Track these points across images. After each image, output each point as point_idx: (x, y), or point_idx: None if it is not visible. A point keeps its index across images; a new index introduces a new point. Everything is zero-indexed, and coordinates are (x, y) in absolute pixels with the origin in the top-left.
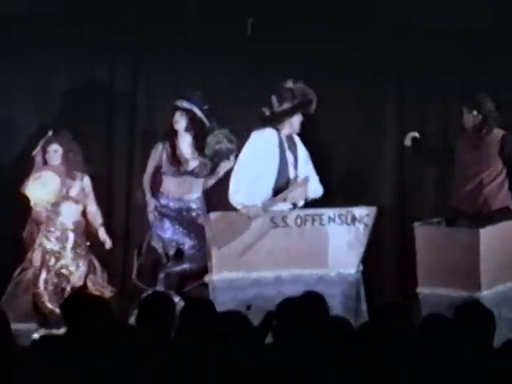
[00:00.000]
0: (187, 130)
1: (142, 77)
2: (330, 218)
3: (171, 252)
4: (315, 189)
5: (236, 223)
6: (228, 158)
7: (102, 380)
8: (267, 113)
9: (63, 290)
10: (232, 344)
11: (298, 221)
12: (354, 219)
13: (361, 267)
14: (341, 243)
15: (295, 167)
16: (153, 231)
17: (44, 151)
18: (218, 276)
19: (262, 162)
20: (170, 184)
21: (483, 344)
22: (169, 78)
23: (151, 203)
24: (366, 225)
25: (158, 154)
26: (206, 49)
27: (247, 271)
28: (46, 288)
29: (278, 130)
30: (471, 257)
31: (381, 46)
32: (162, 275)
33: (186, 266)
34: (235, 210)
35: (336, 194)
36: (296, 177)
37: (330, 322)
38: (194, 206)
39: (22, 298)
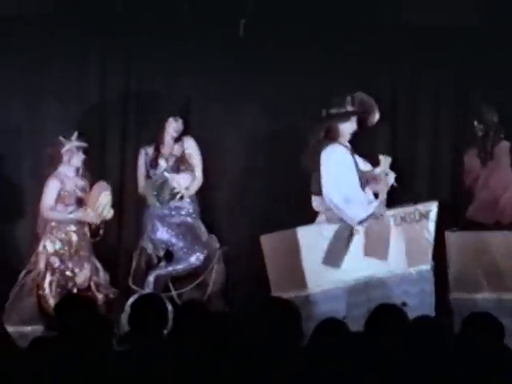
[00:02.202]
0: (176, 133)
1: (134, 78)
2: (401, 217)
3: (161, 253)
4: None
5: (325, 234)
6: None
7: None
8: (324, 113)
9: (69, 291)
10: (224, 346)
11: None
12: (421, 216)
13: (432, 262)
14: (414, 241)
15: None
16: (144, 232)
17: (74, 150)
18: (314, 290)
19: (352, 176)
20: None
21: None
22: (160, 79)
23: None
24: (432, 220)
25: (143, 159)
26: (198, 51)
27: (339, 281)
28: (51, 290)
29: (340, 143)
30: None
31: (374, 47)
32: (151, 277)
33: (175, 267)
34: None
35: None
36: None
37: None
38: (183, 206)
39: (27, 301)
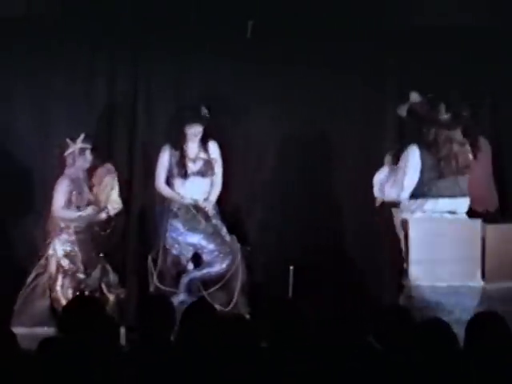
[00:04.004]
0: (196, 136)
1: (142, 80)
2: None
3: (189, 255)
4: None
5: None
6: None
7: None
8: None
9: (82, 293)
10: (231, 346)
11: None
12: None
13: None
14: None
15: None
16: (167, 234)
17: (77, 153)
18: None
19: None
20: (179, 186)
21: None
22: (169, 81)
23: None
24: None
25: (167, 157)
26: (206, 52)
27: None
28: (63, 292)
29: None
30: None
31: (382, 48)
32: (185, 279)
33: (209, 270)
34: None
35: (342, 194)
36: None
37: None
38: (206, 207)
39: (39, 303)
